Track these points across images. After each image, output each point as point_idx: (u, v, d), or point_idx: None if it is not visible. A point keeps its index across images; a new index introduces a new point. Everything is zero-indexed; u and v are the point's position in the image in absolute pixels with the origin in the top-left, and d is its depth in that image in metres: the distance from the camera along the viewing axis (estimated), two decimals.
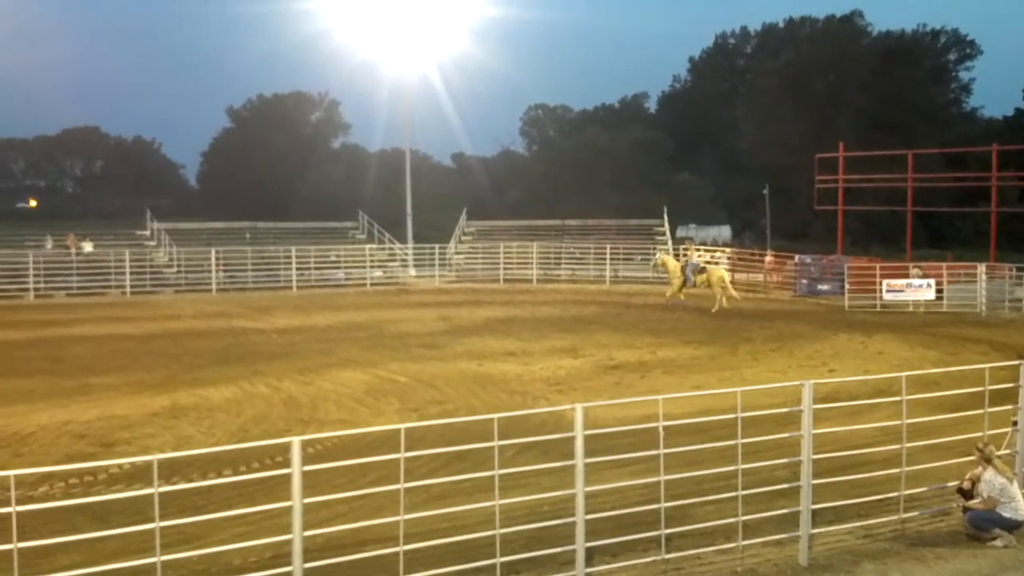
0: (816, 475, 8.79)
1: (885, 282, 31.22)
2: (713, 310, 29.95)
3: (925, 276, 31.68)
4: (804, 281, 36.26)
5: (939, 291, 30.89)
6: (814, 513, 8.81)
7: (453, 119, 79.67)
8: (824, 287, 35.49)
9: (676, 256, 34.40)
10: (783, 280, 37.74)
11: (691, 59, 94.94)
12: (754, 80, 79.75)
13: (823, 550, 8.88)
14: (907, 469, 9.47)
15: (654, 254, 34.94)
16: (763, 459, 9.37)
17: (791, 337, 23.95)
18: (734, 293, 31.46)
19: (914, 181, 41.46)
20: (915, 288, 30.95)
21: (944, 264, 33.37)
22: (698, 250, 34.71)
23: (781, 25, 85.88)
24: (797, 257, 38.21)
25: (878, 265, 33.01)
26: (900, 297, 30.87)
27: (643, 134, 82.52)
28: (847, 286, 32.19)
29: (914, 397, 9.83)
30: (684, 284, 31.82)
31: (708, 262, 40.50)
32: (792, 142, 66.35)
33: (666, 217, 48.11)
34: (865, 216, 55.38)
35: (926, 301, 30.61)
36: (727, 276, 32.24)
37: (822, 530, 9.06)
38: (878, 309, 30.48)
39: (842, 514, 9.50)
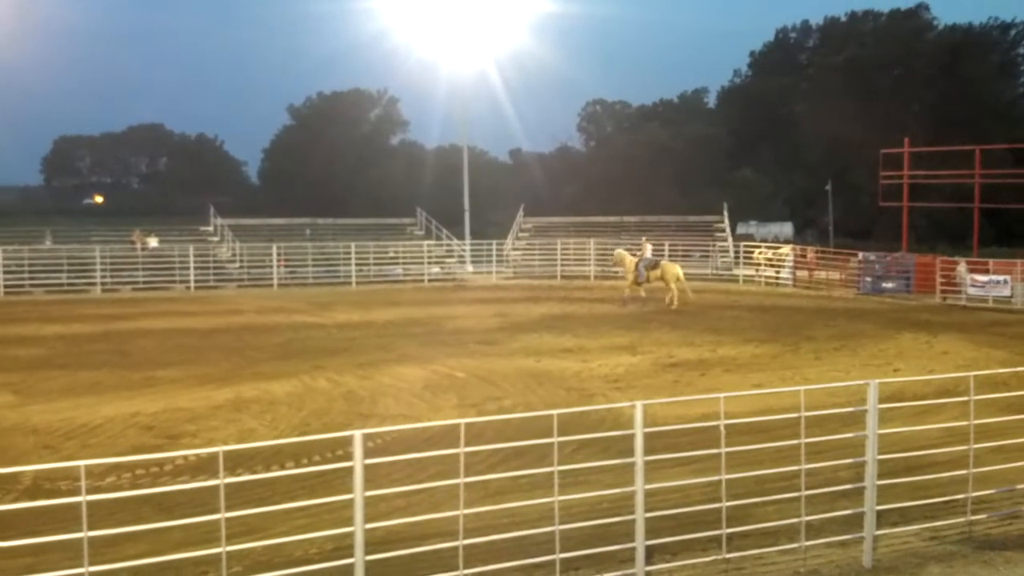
0: (880, 476, 8.64)
1: (969, 277, 31.37)
2: (667, 301, 29.72)
3: (973, 272, 32.34)
4: (868, 279, 35.73)
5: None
6: (879, 514, 8.65)
7: (510, 115, 79.95)
8: (888, 285, 34.98)
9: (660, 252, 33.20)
10: (846, 278, 37.20)
11: (752, 54, 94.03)
12: (816, 75, 78.62)
13: (887, 552, 8.72)
14: (974, 471, 9.25)
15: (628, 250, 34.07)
16: (826, 459, 9.22)
17: (854, 336, 23.58)
18: (686, 287, 30.69)
19: (981, 177, 40.52)
20: (994, 284, 31.41)
21: (1020, 262, 32.85)
22: (650, 244, 33.72)
23: (843, 19, 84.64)
24: (861, 254, 37.65)
25: (964, 261, 33.27)
26: (981, 292, 31.32)
27: (703, 130, 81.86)
28: (938, 280, 32.70)
29: (981, 397, 9.60)
30: (638, 280, 31.02)
31: (772, 258, 40.24)
32: (856, 138, 65.31)
33: (726, 214, 47.68)
34: (931, 213, 54.40)
35: (1003, 298, 31.01)
36: (681, 272, 31.23)
37: (887, 531, 8.90)
38: (963, 303, 30.96)
39: (907, 516, 9.32)
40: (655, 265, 31.21)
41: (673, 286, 30.15)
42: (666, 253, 40.68)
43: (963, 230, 47.46)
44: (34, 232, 43.12)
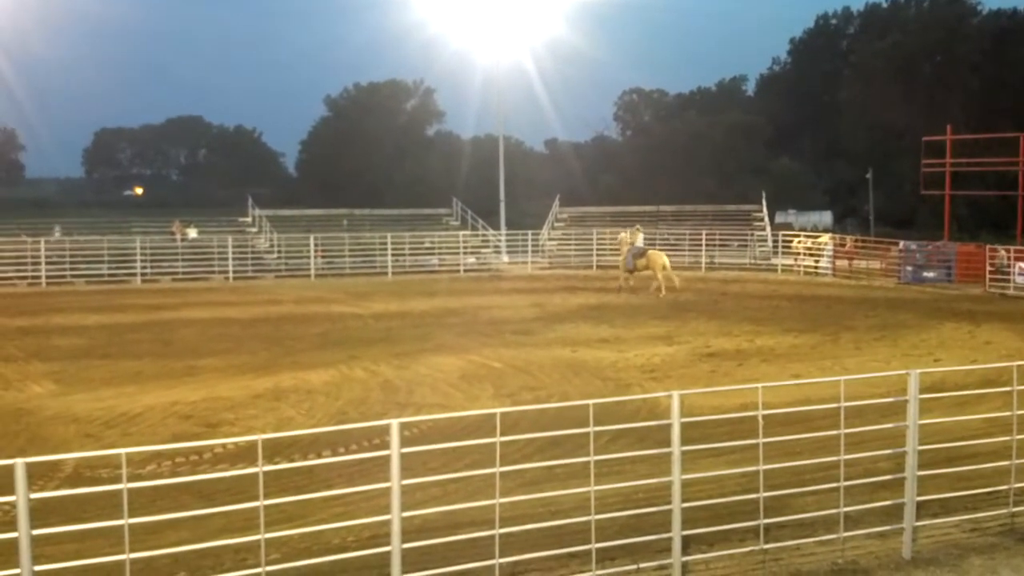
0: (921, 466, 8.53)
1: (1018, 265, 30.90)
2: (651, 289, 30.23)
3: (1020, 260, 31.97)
4: (909, 268, 35.31)
5: None
6: (919, 505, 8.55)
7: (546, 105, 79.66)
8: (930, 274, 34.55)
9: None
10: (886, 267, 36.80)
11: (792, 41, 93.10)
12: (858, 62, 77.58)
13: (928, 543, 8.61)
14: (1017, 462, 9.10)
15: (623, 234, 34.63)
16: (866, 450, 9.12)
17: (895, 326, 23.31)
18: (675, 280, 30.91)
19: None
20: None
21: None
22: (641, 234, 34.15)
23: (885, 5, 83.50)
24: (902, 243, 37.21)
25: (1008, 248, 32.97)
26: None
27: (741, 118, 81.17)
28: (987, 268, 32.27)
29: None
30: (627, 268, 31.44)
31: (811, 247, 39.88)
32: (898, 126, 64.56)
33: (764, 203, 47.29)
34: (973, 201, 53.61)
35: None
36: (667, 261, 31.41)
37: (927, 523, 8.79)
38: (1010, 292, 30.71)
39: (948, 507, 9.20)
40: (642, 254, 31.45)
41: (659, 275, 30.45)
42: (703, 242, 40.54)
43: (1006, 218, 46.66)
44: (75, 223, 43.64)
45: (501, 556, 7.30)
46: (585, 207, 51.23)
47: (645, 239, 34.16)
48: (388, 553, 6.98)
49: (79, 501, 8.58)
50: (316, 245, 39.61)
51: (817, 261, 39.07)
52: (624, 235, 33.66)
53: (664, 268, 30.61)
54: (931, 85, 69.46)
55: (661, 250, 33.30)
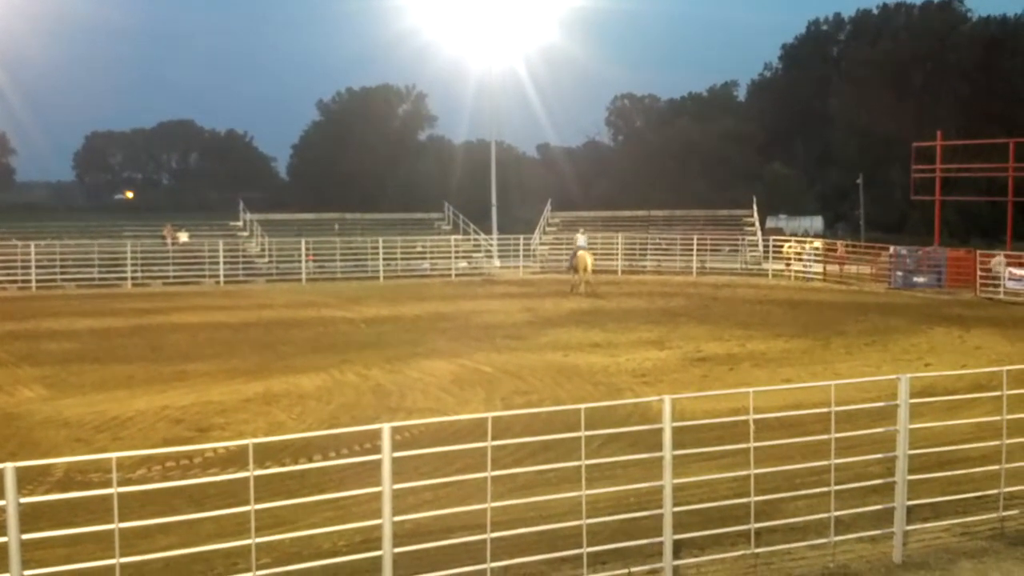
0: (911, 471, 8.56)
1: (1008, 270, 31.28)
2: (581, 290, 32.16)
3: (1011, 265, 32.13)
4: (899, 273, 35.42)
5: None
6: (909, 510, 8.57)
7: (539, 110, 79.83)
8: (920, 279, 34.66)
9: None
10: (877, 272, 36.91)
11: (783, 47, 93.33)
12: (849, 69, 77.85)
13: (918, 547, 8.64)
14: (1007, 466, 9.14)
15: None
16: (856, 454, 9.16)
17: (886, 331, 23.38)
18: (590, 279, 32.77)
19: (1015, 171, 39.94)
20: None
21: None
22: (581, 236, 36.52)
23: (875, 12, 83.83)
24: (892, 249, 37.31)
25: (1001, 254, 33.14)
26: (1019, 287, 31.19)
27: (733, 124, 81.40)
28: (977, 274, 32.47)
29: (1015, 392, 9.49)
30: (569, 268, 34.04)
31: (800, 252, 40.03)
32: (888, 132, 64.75)
33: (755, 208, 47.39)
34: (964, 207, 53.79)
35: None
36: (590, 262, 32.98)
37: (917, 527, 8.82)
38: (1001, 297, 30.89)
39: (938, 511, 9.22)
40: (575, 255, 33.66)
41: (581, 274, 32.56)
42: (694, 247, 40.63)
43: (996, 224, 46.83)
44: (66, 228, 43.46)
45: (493, 560, 7.30)
46: (576, 212, 51.25)
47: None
48: (380, 557, 6.97)
49: (70, 505, 8.56)
50: (307, 249, 39.53)
51: (807, 266, 39.24)
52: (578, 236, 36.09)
53: (585, 270, 32.40)
54: (921, 91, 69.73)
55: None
